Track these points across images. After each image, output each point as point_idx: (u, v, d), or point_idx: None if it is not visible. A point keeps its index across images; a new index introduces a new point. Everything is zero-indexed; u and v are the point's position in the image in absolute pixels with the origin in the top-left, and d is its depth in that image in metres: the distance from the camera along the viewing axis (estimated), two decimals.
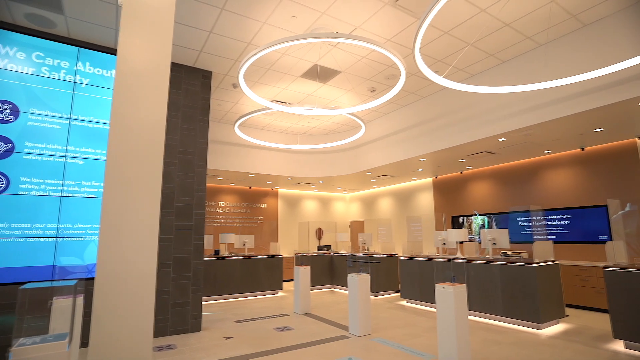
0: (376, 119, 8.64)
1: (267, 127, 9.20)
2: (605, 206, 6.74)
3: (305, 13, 4.57)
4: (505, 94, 5.74)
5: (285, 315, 6.42)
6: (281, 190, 12.42)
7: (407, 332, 5.20)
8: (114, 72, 5.13)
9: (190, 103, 5.77)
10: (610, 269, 4.51)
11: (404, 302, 7.48)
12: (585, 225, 7.05)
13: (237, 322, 5.92)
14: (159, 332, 4.99)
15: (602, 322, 5.52)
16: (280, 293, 8.88)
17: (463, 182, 9.51)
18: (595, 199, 6.93)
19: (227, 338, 4.98)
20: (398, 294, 8.41)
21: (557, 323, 5.54)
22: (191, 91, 5.83)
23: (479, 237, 8.64)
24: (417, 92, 7.14)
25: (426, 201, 10.55)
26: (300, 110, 5.86)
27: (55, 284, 3.77)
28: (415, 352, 4.30)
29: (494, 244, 6.15)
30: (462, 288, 3.88)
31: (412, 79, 6.46)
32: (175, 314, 5.16)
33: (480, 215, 8.99)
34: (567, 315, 5.95)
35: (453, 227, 9.58)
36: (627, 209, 6.45)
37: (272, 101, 7.35)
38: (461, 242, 7.78)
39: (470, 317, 5.98)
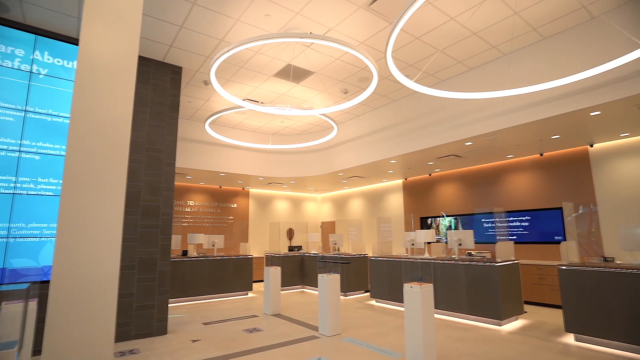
0: (348, 120, 8.73)
1: (239, 125, 9.06)
2: (561, 209, 7.16)
3: (279, 12, 4.55)
4: (472, 99, 5.97)
5: (254, 316, 6.35)
6: (252, 190, 12.28)
7: (376, 331, 5.28)
8: (75, 63, 4.88)
9: (159, 99, 5.58)
10: (564, 267, 4.79)
11: (373, 302, 7.60)
12: (543, 226, 7.46)
13: (205, 324, 5.79)
14: (121, 336, 4.79)
15: (556, 317, 5.85)
16: (250, 294, 8.77)
17: (432, 184, 9.80)
18: (552, 202, 7.35)
19: (194, 341, 4.85)
20: (367, 293, 8.52)
21: (516, 319, 5.82)
22: (160, 86, 5.64)
23: (446, 238, 8.92)
24: (388, 95, 7.28)
25: (396, 202, 10.77)
26: (273, 110, 5.81)
27: (4, 287, 3.52)
28: (384, 350, 4.37)
29: (460, 244, 6.37)
30: (429, 287, 3.99)
31: (384, 82, 6.58)
32: (140, 317, 4.97)
33: (447, 216, 9.29)
34: (526, 312, 6.26)
35: (422, 228, 9.84)
36: (580, 211, 6.89)
37: (244, 100, 7.24)
38: (429, 243, 8.00)
39: (436, 315, 6.16)
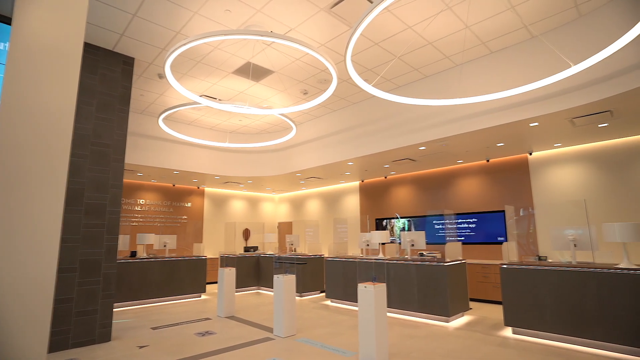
0: (307, 121, 8.76)
1: (195, 122, 8.76)
2: (503, 211, 7.70)
3: (240, 8, 4.46)
4: (427, 106, 6.24)
5: (207, 319, 6.16)
6: (207, 189, 11.91)
7: (331, 331, 5.34)
8: (7, 45, 4.45)
9: (107, 90, 5.24)
10: (505, 266, 5.15)
11: (328, 302, 7.67)
12: (488, 228, 7.97)
13: (154, 328, 5.52)
14: (57, 345, 4.41)
15: (497, 312, 6.26)
16: (204, 296, 8.50)
17: (387, 187, 10.10)
18: (496, 205, 7.87)
19: (141, 347, 4.60)
20: (323, 294, 8.59)
21: (462, 315, 6.16)
22: (109, 77, 5.30)
23: (400, 239, 9.23)
24: (347, 98, 7.41)
25: (353, 204, 10.97)
26: (231, 108, 5.68)
27: None
28: (338, 350, 4.43)
29: (413, 245, 6.62)
30: (382, 287, 4.11)
31: (343, 84, 6.68)
32: (80, 323, 4.62)
33: (401, 218, 9.62)
34: (471, 308, 6.64)
35: (377, 229, 10.10)
36: (521, 214, 7.45)
37: (201, 96, 7.02)
38: (383, 244, 8.24)
39: (389, 314, 6.36)
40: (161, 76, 6.28)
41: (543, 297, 4.74)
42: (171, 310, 6.96)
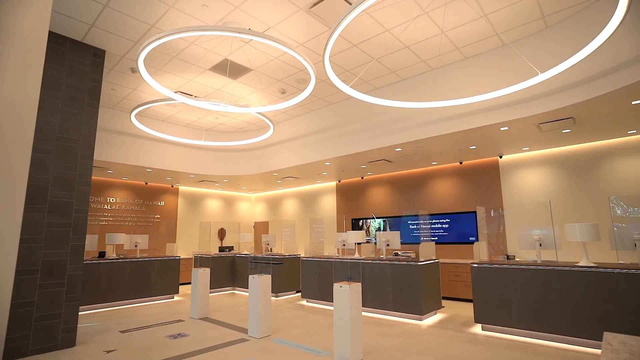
0: (285, 120, 8.72)
1: (170, 119, 8.53)
2: (475, 212, 7.94)
3: (217, 4, 4.38)
4: (403, 108, 6.35)
5: (180, 321, 6.01)
6: (182, 188, 11.64)
7: (306, 331, 5.34)
8: None
9: (75, 83, 5.02)
10: (475, 265, 5.32)
11: (304, 302, 7.67)
12: (460, 228, 8.20)
13: (123, 332, 5.33)
14: (14, 352, 4.15)
15: (468, 310, 6.45)
16: (176, 297, 8.29)
17: (363, 187, 10.20)
18: (468, 206, 8.11)
19: (109, 352, 4.44)
20: (299, 294, 8.58)
21: (435, 314, 6.31)
22: (78, 69, 5.08)
23: (375, 239, 9.35)
24: (325, 99, 7.43)
25: (329, 204, 11.01)
26: (207, 105, 5.58)
27: None
28: (312, 349, 4.43)
29: (388, 245, 6.72)
30: (357, 286, 4.15)
31: (321, 85, 6.70)
32: (41, 328, 4.39)
33: (377, 218, 9.75)
34: (443, 306, 6.81)
35: (353, 229, 10.19)
36: (492, 215, 7.71)
37: (176, 92, 6.85)
38: (359, 243, 8.31)
39: (364, 313, 6.42)
40: (134, 70, 6.08)
41: (510, 295, 4.92)
42: (142, 312, 6.75)
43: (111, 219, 9.94)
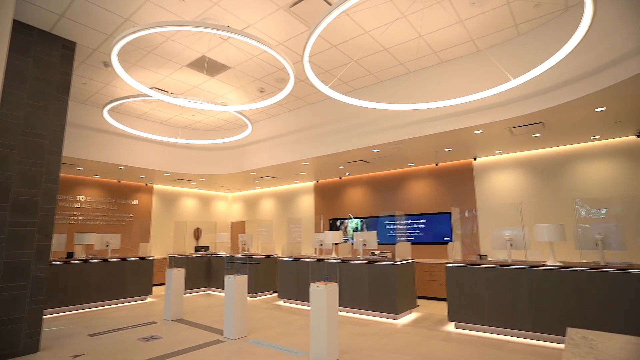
0: (263, 119, 8.65)
1: (145, 116, 8.29)
2: (449, 213, 8.14)
3: None
4: (381, 109, 6.43)
5: (153, 323, 5.85)
6: (157, 186, 11.34)
7: (282, 331, 5.31)
8: None
9: (42, 75, 4.79)
10: (449, 264, 5.45)
11: (281, 302, 7.63)
12: (435, 228, 8.38)
13: (92, 335, 5.13)
14: None
15: (442, 309, 6.60)
16: (150, 299, 8.07)
17: (341, 188, 10.25)
18: (443, 207, 8.30)
19: (76, 356, 4.26)
20: (276, 294, 8.53)
21: (410, 312, 6.42)
22: (45, 61, 4.85)
23: (352, 239, 9.41)
24: (304, 98, 7.42)
25: (307, 204, 11.01)
26: (184, 102, 5.46)
27: None
28: (289, 350, 4.42)
29: (365, 245, 6.78)
30: (334, 286, 4.16)
31: (300, 84, 6.69)
32: (1, 334, 4.16)
33: (354, 218, 9.82)
34: (418, 305, 6.94)
35: (330, 229, 10.22)
36: (466, 215, 7.92)
37: (151, 88, 6.66)
38: (337, 244, 8.36)
39: (340, 313, 6.46)
40: (107, 64, 5.87)
41: (482, 294, 5.08)
42: (113, 314, 6.53)
43: (81, 218, 9.56)
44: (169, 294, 6.16)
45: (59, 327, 5.63)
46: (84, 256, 7.28)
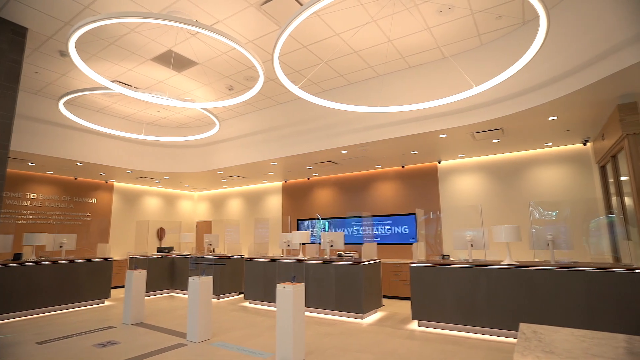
0: (232, 118, 8.50)
1: (105, 110, 7.90)
2: (414, 214, 8.37)
3: None
4: (350, 111, 6.50)
5: (110, 327, 5.58)
6: (117, 184, 10.84)
7: (248, 333, 5.24)
8: None
9: None
10: (414, 264, 5.60)
11: (247, 304, 7.52)
12: (401, 229, 8.59)
13: (41, 343, 4.81)
14: None
15: (407, 308, 6.78)
16: (108, 302, 7.68)
17: (310, 188, 10.27)
18: (409, 208, 8.53)
19: None
20: (242, 295, 8.40)
21: (376, 312, 6.54)
22: None
23: (320, 239, 9.45)
24: (273, 98, 7.37)
25: (275, 204, 10.93)
26: (148, 97, 5.25)
27: None
28: (254, 352, 4.36)
29: (332, 245, 6.83)
30: (300, 287, 4.16)
31: (270, 84, 6.63)
32: None
33: (322, 219, 9.87)
34: (383, 305, 7.08)
35: (298, 230, 10.21)
36: (431, 216, 8.17)
37: (113, 81, 6.36)
38: (304, 244, 8.36)
39: (307, 314, 6.46)
40: (63, 54, 5.53)
41: (444, 292, 5.26)
42: (66, 320, 6.16)
43: (31, 217, 8.95)
44: (129, 297, 5.90)
45: (4, 335, 5.24)
46: (33, 258, 6.82)
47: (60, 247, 7.24)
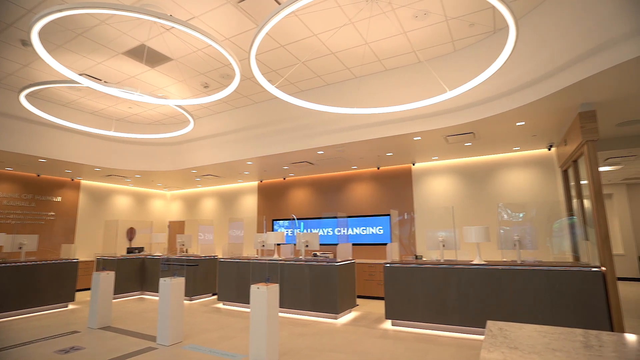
0: (207, 116, 8.34)
1: (72, 104, 7.56)
2: (389, 215, 8.51)
3: None
4: (327, 112, 6.53)
5: (75, 332, 5.33)
6: (84, 182, 10.39)
7: (221, 334, 5.15)
8: None
9: None
10: (388, 265, 5.69)
11: (220, 305, 7.40)
12: (376, 230, 8.71)
13: None
14: None
15: (380, 307, 6.87)
16: (72, 306, 7.34)
17: (285, 188, 10.23)
18: (383, 209, 8.66)
19: None
20: (215, 296, 8.25)
21: (350, 312, 6.59)
22: None
23: (295, 240, 9.43)
24: (250, 97, 7.29)
25: (250, 204, 10.82)
26: (119, 92, 5.06)
27: None
28: (227, 354, 4.29)
29: (307, 246, 6.83)
30: (275, 287, 4.13)
31: (246, 82, 6.56)
32: None
33: (297, 219, 9.85)
34: (358, 305, 7.14)
35: (274, 230, 10.14)
36: (405, 217, 8.33)
37: (81, 74, 6.09)
38: (279, 244, 8.31)
39: (281, 314, 6.43)
40: (25, 43, 5.25)
41: (417, 292, 5.37)
42: (25, 325, 5.84)
43: None
44: (95, 300, 5.67)
45: None
46: None
47: (20, 248, 6.86)
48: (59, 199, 9.78)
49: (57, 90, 6.86)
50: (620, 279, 9.75)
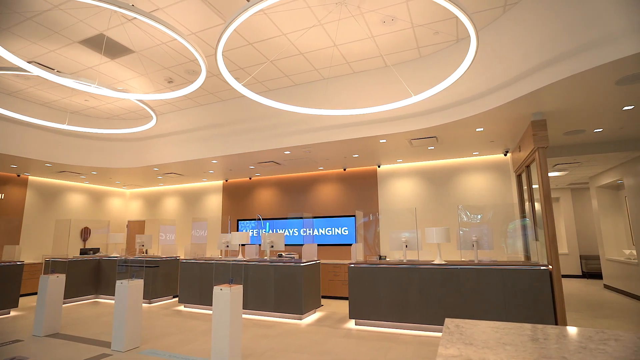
0: (170, 112, 8.06)
1: (20, 94, 7.02)
2: (354, 216, 8.63)
3: None
4: (294, 112, 6.51)
5: (17, 341, 4.95)
6: (33, 178, 9.69)
7: (181, 338, 4.99)
8: None
9: None
10: (352, 265, 5.77)
11: (181, 308, 7.16)
12: (341, 230, 8.80)
13: None
14: None
15: (345, 307, 6.94)
16: (15, 312, 6.81)
17: (251, 188, 10.09)
18: (349, 210, 8.77)
19: None
20: (176, 299, 7.98)
21: (314, 312, 6.60)
22: None
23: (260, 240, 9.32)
24: (216, 94, 7.13)
25: (215, 203, 10.57)
26: (73, 83, 4.76)
27: None
28: (187, 358, 4.16)
29: (272, 246, 6.77)
30: (238, 289, 4.06)
31: (212, 79, 6.41)
32: None
33: (263, 219, 9.74)
34: (322, 305, 7.18)
35: (239, 230, 9.97)
36: (371, 218, 8.47)
37: (30, 62, 5.67)
38: (243, 245, 8.18)
39: (245, 316, 6.33)
40: None
41: (380, 291, 5.49)
42: None
43: None
44: (42, 305, 5.30)
45: None
46: None
47: None
48: (2, 196, 9.04)
49: (4, 79, 6.35)
50: (564, 276, 10.52)
